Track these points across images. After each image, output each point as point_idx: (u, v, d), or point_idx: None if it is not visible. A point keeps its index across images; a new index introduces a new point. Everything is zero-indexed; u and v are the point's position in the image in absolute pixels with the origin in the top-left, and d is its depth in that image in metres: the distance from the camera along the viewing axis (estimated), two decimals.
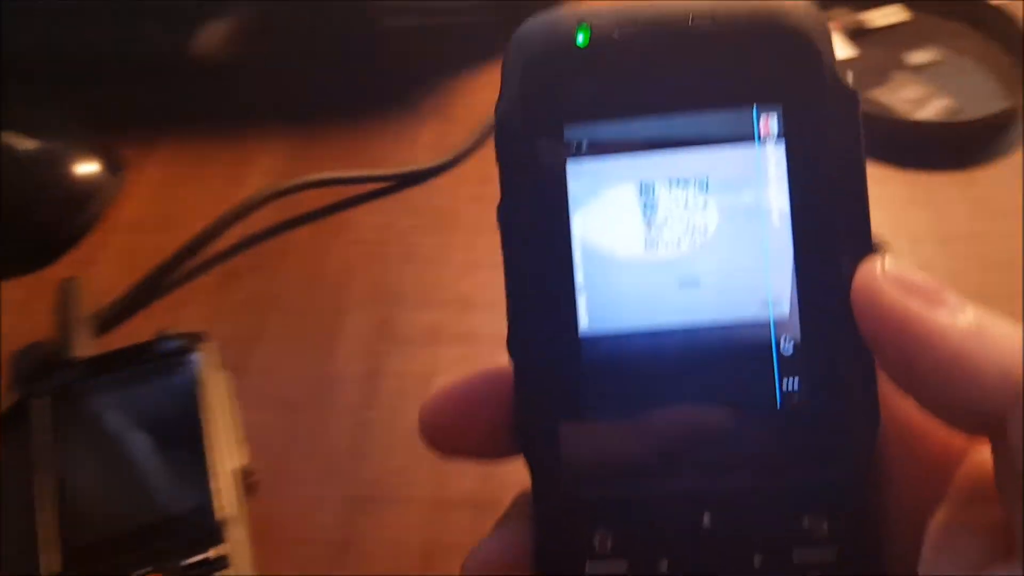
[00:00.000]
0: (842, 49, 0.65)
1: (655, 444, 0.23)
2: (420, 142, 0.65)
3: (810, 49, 0.23)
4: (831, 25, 0.65)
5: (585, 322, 0.24)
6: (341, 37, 0.69)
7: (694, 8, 0.24)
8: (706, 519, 0.23)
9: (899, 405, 0.23)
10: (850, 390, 0.23)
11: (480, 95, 0.67)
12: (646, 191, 0.24)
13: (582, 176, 0.24)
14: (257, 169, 0.63)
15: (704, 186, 0.24)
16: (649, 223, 0.24)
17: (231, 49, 0.69)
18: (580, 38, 0.24)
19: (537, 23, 0.24)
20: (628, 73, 0.24)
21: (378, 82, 0.69)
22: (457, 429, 0.24)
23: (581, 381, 0.24)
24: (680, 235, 0.24)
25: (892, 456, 0.24)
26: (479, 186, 0.62)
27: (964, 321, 0.21)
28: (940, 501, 0.22)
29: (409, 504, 0.48)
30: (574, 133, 0.24)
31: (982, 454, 0.22)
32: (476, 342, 0.54)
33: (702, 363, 0.24)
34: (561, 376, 0.24)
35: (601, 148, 0.24)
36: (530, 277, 0.24)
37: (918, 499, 0.23)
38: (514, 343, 0.24)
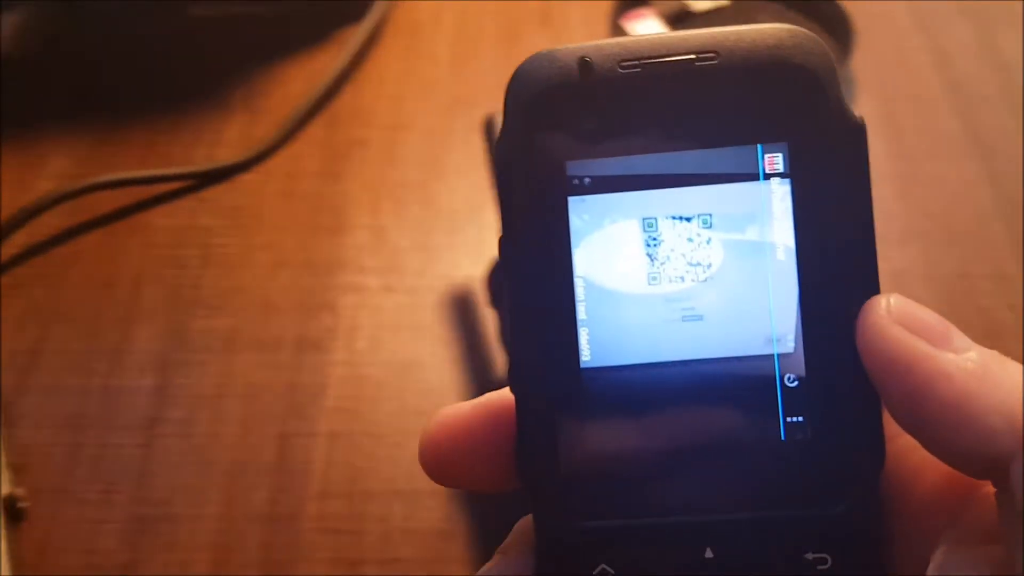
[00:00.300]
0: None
1: (657, 477, 0.23)
2: (225, 138, 0.62)
3: (815, 84, 0.23)
4: (652, 10, 0.66)
5: (587, 356, 0.24)
6: (141, 27, 0.66)
7: (697, 41, 0.24)
8: (708, 553, 0.23)
9: (904, 440, 0.23)
10: (855, 426, 0.23)
11: (290, 86, 0.65)
12: (649, 227, 0.24)
13: (584, 212, 0.24)
14: (48, 172, 0.60)
15: (708, 223, 0.24)
16: (652, 259, 0.24)
17: (22, 42, 0.65)
18: (583, 75, 0.23)
19: (539, 59, 0.24)
20: (630, 109, 0.24)
21: (181, 75, 0.66)
22: (458, 461, 0.24)
23: (583, 415, 0.24)
24: (683, 271, 0.24)
25: (896, 492, 0.24)
26: (286, 182, 0.60)
27: (969, 363, 0.21)
28: (943, 538, 0.22)
29: (199, 522, 0.46)
30: (576, 169, 0.24)
31: (986, 493, 0.22)
32: (277, 348, 0.52)
33: (705, 397, 0.24)
34: (563, 410, 0.24)
35: (603, 184, 0.24)
36: (532, 311, 0.24)
37: (921, 536, 0.23)
38: (516, 376, 0.24)
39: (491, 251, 0.49)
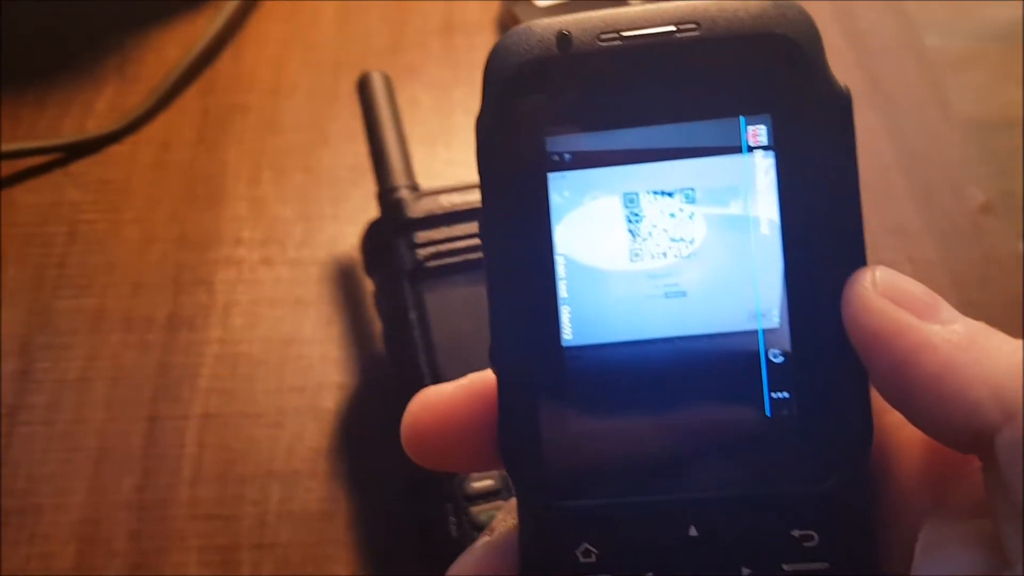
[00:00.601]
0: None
1: (640, 455, 0.23)
2: (95, 108, 0.59)
3: (798, 54, 0.23)
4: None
5: (569, 334, 0.24)
6: None
7: (678, 12, 0.23)
8: (692, 531, 0.23)
9: (892, 417, 0.23)
10: (842, 402, 0.23)
11: (165, 52, 0.61)
12: (630, 203, 0.24)
13: (564, 188, 0.24)
14: None
15: (690, 198, 0.24)
16: (634, 235, 0.24)
17: None
18: (562, 48, 0.23)
19: (517, 33, 0.24)
20: (611, 83, 0.23)
21: (48, 42, 0.62)
22: (441, 442, 0.24)
23: (565, 393, 0.23)
24: (666, 247, 0.24)
25: (883, 468, 0.23)
26: (160, 153, 0.57)
27: (955, 334, 0.21)
28: (931, 514, 0.22)
29: (63, 512, 0.44)
30: (556, 145, 0.24)
31: (973, 468, 0.22)
32: (147, 328, 0.50)
33: (689, 374, 0.23)
34: (545, 388, 0.23)
35: (584, 160, 0.24)
36: (513, 290, 0.24)
37: (909, 512, 0.22)
38: (497, 355, 0.24)
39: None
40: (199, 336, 0.49)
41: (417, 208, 0.43)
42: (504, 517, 0.25)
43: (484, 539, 0.24)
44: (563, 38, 0.23)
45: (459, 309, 0.42)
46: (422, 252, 0.43)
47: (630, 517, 0.23)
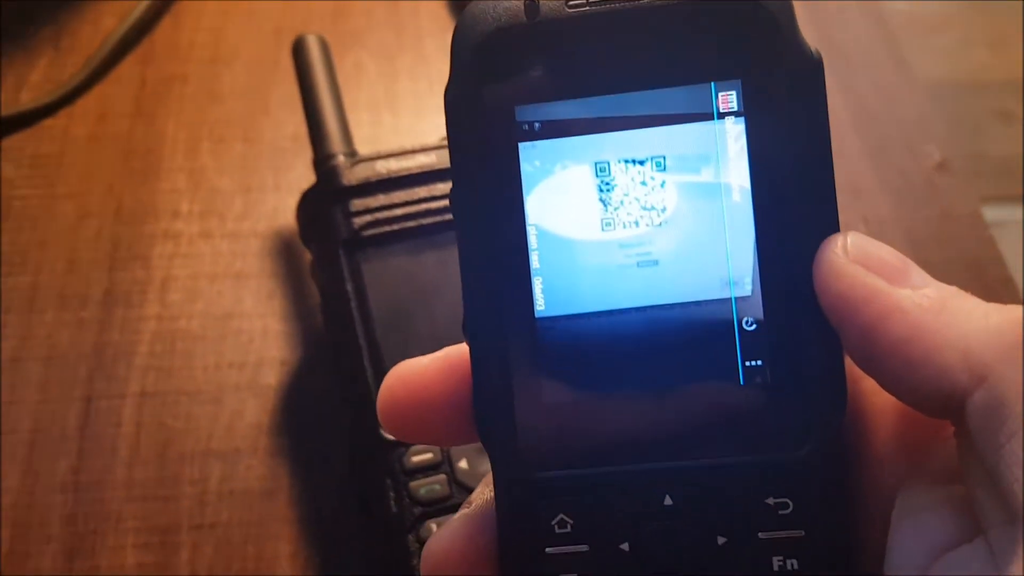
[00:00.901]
0: None
1: (614, 426, 0.23)
2: (29, 80, 0.57)
3: (769, 19, 0.22)
4: None
5: (542, 305, 0.23)
6: None
7: None
8: (667, 500, 0.23)
9: (866, 384, 0.23)
10: (815, 368, 0.23)
11: (101, 22, 0.59)
12: (601, 172, 0.23)
13: (535, 158, 0.23)
14: None
15: (661, 166, 0.23)
16: (605, 204, 0.23)
17: None
18: (530, 15, 0.23)
19: (485, 1, 0.23)
20: (579, 50, 0.23)
21: None
22: (417, 415, 0.24)
23: (539, 364, 0.23)
24: (637, 215, 0.23)
25: (858, 435, 0.23)
26: (95, 125, 0.55)
27: (926, 299, 0.21)
28: (906, 480, 0.22)
29: None
30: (526, 114, 0.23)
31: (947, 434, 0.22)
32: (83, 305, 0.48)
33: (662, 343, 0.23)
34: (518, 360, 0.23)
35: (554, 129, 0.23)
36: (485, 261, 0.23)
37: (885, 478, 0.23)
38: (470, 327, 0.23)
39: None
40: (136, 313, 0.48)
41: (352, 175, 0.42)
42: (482, 489, 0.25)
43: (462, 511, 0.24)
44: (531, 5, 0.23)
45: (398, 279, 0.41)
46: (358, 221, 0.41)
47: (605, 487, 0.23)
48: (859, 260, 0.22)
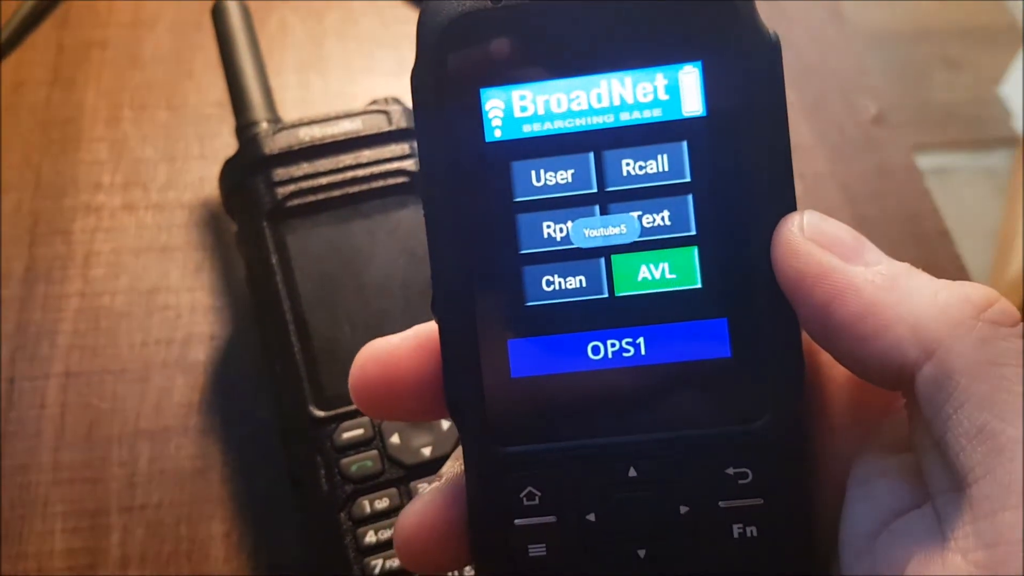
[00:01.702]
0: None
1: (581, 400, 0.24)
2: None
3: (729, 2, 0.23)
4: None
5: (510, 281, 0.24)
6: None
7: None
8: (632, 472, 0.23)
9: (823, 356, 0.24)
10: (773, 343, 0.23)
11: None
12: (568, 149, 0.24)
13: (501, 138, 0.24)
14: None
15: (624, 142, 0.24)
16: (570, 186, 0.24)
17: None
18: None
19: None
20: (543, 34, 0.24)
21: None
22: (388, 392, 0.24)
23: (507, 340, 0.24)
24: (599, 194, 0.24)
25: (815, 407, 0.24)
26: (10, 95, 0.53)
27: (878, 276, 0.21)
28: (861, 449, 0.23)
29: None
30: (491, 96, 0.24)
31: (900, 405, 0.23)
32: (3, 283, 0.47)
33: (626, 319, 0.24)
34: (486, 336, 0.24)
35: (519, 110, 0.24)
36: (452, 240, 0.24)
37: (841, 447, 0.23)
38: (438, 305, 0.24)
39: None
40: (58, 290, 0.46)
41: (274, 143, 0.41)
42: (452, 463, 0.25)
43: (433, 485, 0.25)
44: None
45: (324, 251, 0.40)
46: (281, 191, 0.40)
47: (572, 461, 0.24)
48: (814, 238, 0.22)
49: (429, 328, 0.24)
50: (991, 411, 0.20)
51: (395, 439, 0.36)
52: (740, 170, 0.23)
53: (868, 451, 0.23)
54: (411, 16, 0.57)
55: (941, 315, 0.21)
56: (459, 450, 0.25)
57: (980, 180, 1.49)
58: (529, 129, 0.24)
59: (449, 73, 0.23)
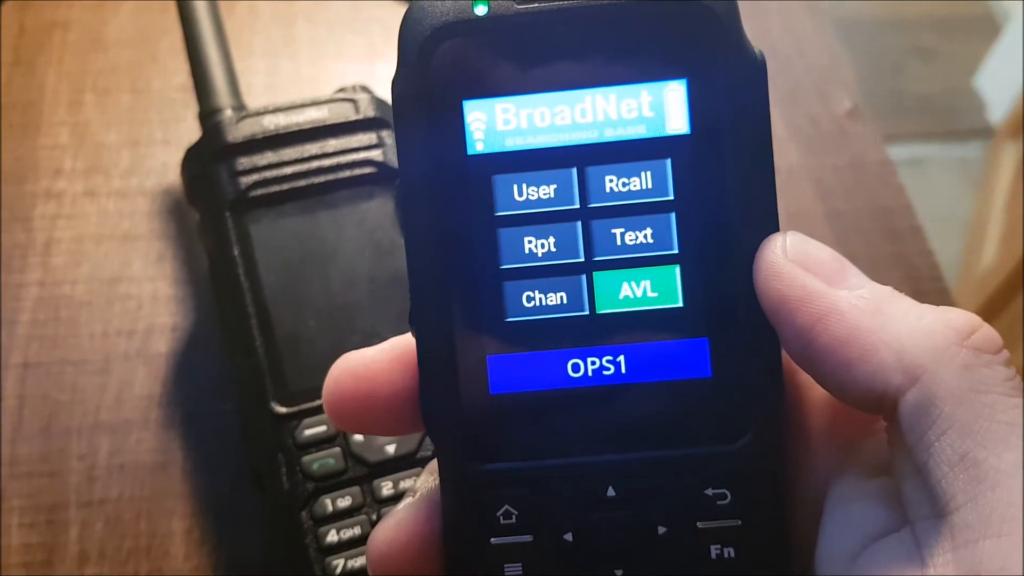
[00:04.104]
0: None
1: (559, 419, 0.24)
2: None
3: (715, 20, 0.23)
4: None
5: (489, 298, 0.24)
6: None
7: None
8: (610, 491, 0.23)
9: (802, 377, 0.23)
10: (753, 363, 0.23)
11: None
12: (548, 167, 0.24)
13: (482, 151, 0.24)
14: None
15: (608, 158, 0.23)
16: (552, 201, 0.24)
17: None
18: (479, 10, 0.23)
19: None
20: (528, 47, 0.23)
21: None
22: (364, 406, 0.24)
23: (485, 355, 0.24)
24: (581, 210, 0.24)
25: (794, 427, 0.24)
26: None
27: (861, 299, 0.21)
28: (839, 471, 0.23)
29: None
30: (473, 108, 0.23)
31: (879, 427, 0.23)
32: None
33: (605, 338, 0.23)
34: (464, 352, 0.23)
35: (501, 123, 0.24)
36: (430, 254, 0.23)
37: (819, 469, 0.23)
38: (417, 319, 0.23)
39: None
40: (17, 278, 0.45)
41: (238, 131, 0.40)
42: (426, 478, 0.25)
43: (407, 500, 0.25)
44: (480, 0, 0.23)
45: (288, 242, 0.39)
46: (245, 180, 0.39)
47: (550, 480, 0.23)
48: (798, 260, 0.22)
49: (405, 341, 0.24)
50: (974, 439, 0.20)
51: (358, 436, 0.35)
52: (724, 189, 0.23)
53: (846, 473, 0.23)
54: (382, 1, 0.56)
55: (925, 341, 0.21)
56: (433, 464, 0.25)
57: (954, 171, 1.49)
58: (512, 143, 0.23)
59: (431, 84, 0.23)
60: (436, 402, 0.23)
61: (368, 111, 0.41)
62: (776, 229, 0.23)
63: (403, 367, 0.24)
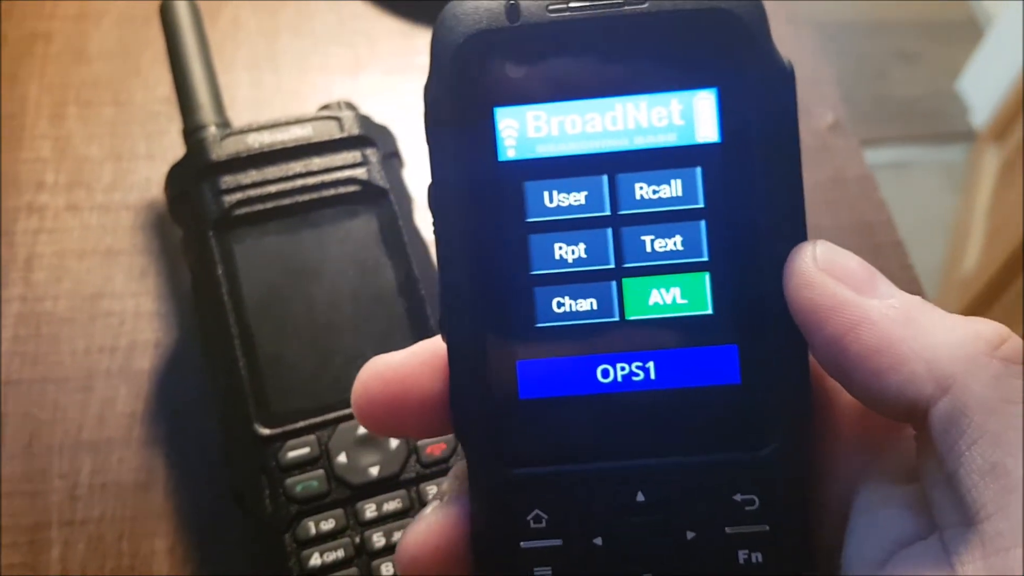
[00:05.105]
0: None
1: (588, 425, 0.24)
2: None
3: (744, 30, 0.23)
4: None
5: (519, 304, 0.24)
6: None
7: None
8: (640, 496, 0.24)
9: (830, 382, 0.23)
10: (782, 370, 0.23)
11: None
12: (579, 174, 0.24)
13: (514, 158, 0.24)
14: None
15: (638, 165, 0.24)
16: (583, 208, 0.24)
17: None
18: (511, 18, 0.23)
19: (465, 2, 0.23)
20: (560, 55, 0.23)
21: None
22: (391, 409, 0.24)
23: (515, 361, 0.24)
24: (612, 217, 0.24)
25: (821, 432, 0.24)
26: None
27: (892, 309, 0.22)
28: (866, 477, 0.23)
29: None
30: (505, 115, 0.24)
31: (907, 435, 0.23)
32: None
33: (634, 344, 0.24)
34: (495, 356, 0.24)
35: (533, 130, 0.24)
36: (462, 261, 0.23)
37: (845, 474, 0.24)
38: (447, 324, 0.24)
39: None
40: None
41: (222, 149, 0.39)
42: (452, 482, 0.25)
43: (434, 504, 0.25)
44: (512, 8, 0.23)
45: (272, 261, 0.39)
46: (228, 199, 0.39)
47: (580, 484, 0.24)
48: (827, 269, 0.22)
49: (434, 344, 0.24)
50: (1004, 449, 0.20)
51: (342, 458, 0.35)
52: (753, 197, 0.23)
53: (873, 478, 0.23)
54: (367, 13, 0.56)
55: (956, 351, 0.21)
56: (459, 468, 0.25)
57: (937, 174, 1.50)
58: (543, 150, 0.24)
59: (463, 91, 0.23)
60: (466, 407, 0.24)
61: (353, 129, 0.41)
62: (805, 237, 0.23)
63: (432, 370, 0.24)
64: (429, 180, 0.24)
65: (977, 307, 1.23)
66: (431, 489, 0.35)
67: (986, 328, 0.21)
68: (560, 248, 0.24)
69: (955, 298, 1.28)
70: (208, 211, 0.39)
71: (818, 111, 0.54)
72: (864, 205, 0.51)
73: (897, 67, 1.60)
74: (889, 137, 1.49)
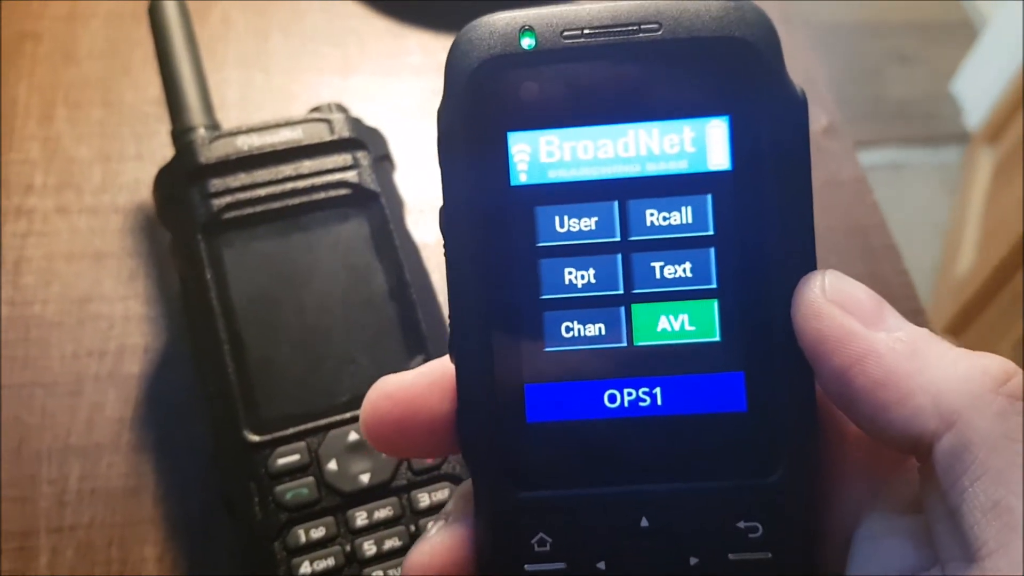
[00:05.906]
0: None
1: (594, 449, 0.24)
2: None
3: (757, 58, 0.23)
4: None
5: (528, 328, 0.24)
6: None
7: (641, 12, 0.23)
8: (644, 522, 0.24)
9: (836, 410, 0.23)
10: (788, 399, 0.23)
11: None
12: (590, 199, 0.24)
13: (526, 182, 0.24)
14: None
15: (649, 192, 0.24)
16: (593, 233, 0.24)
17: None
18: (525, 43, 0.23)
19: (481, 26, 0.24)
20: (573, 81, 0.24)
21: None
22: (400, 428, 0.24)
23: (523, 384, 0.24)
24: (622, 243, 0.24)
25: (825, 461, 0.24)
26: None
27: (899, 342, 0.22)
28: (869, 507, 0.23)
29: None
30: (518, 140, 0.24)
31: (911, 465, 0.23)
32: None
33: (642, 370, 0.24)
34: (503, 379, 0.24)
35: (546, 155, 0.24)
36: (472, 283, 0.24)
37: (849, 504, 0.24)
38: (456, 346, 0.24)
39: None
40: None
41: (211, 152, 0.39)
42: (457, 502, 0.25)
43: (439, 524, 0.25)
44: (527, 33, 0.23)
45: (261, 265, 0.38)
46: (217, 202, 0.38)
47: (585, 508, 0.24)
48: (836, 300, 0.22)
49: (443, 365, 0.24)
50: (1007, 486, 0.20)
51: (332, 465, 0.35)
52: (763, 226, 0.23)
53: (877, 508, 0.23)
54: (359, 12, 0.55)
55: (961, 386, 0.21)
56: (464, 488, 0.25)
57: (932, 176, 1.50)
58: (555, 175, 0.24)
59: (476, 115, 0.23)
60: (473, 429, 0.24)
61: (343, 132, 0.40)
62: (814, 267, 0.23)
63: (441, 391, 0.24)
64: (441, 203, 0.24)
65: (972, 309, 1.23)
66: (422, 497, 0.35)
67: (992, 363, 0.21)
68: (570, 273, 0.24)
69: (950, 300, 1.28)
70: (197, 215, 0.38)
71: (812, 113, 0.53)
72: (858, 208, 0.51)
73: (891, 68, 1.60)
74: (883, 139, 1.49)
